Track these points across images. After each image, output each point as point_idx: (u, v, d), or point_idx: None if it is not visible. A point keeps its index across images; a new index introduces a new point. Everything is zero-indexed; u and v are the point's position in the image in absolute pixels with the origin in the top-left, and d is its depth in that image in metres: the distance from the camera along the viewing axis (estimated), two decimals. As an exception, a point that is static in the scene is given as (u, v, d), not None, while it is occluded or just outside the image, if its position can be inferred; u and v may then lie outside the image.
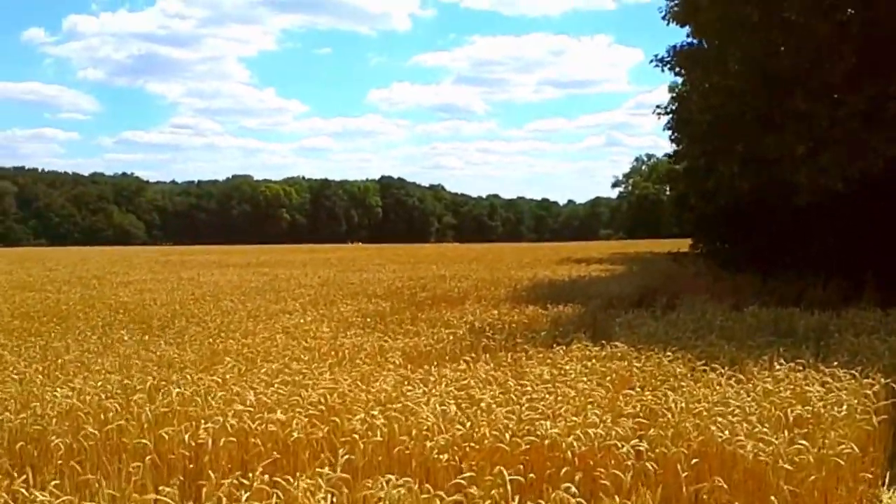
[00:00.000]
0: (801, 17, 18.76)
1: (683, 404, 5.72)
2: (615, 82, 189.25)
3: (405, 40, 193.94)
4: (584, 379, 6.74)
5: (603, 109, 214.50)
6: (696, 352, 8.41)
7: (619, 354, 8.21)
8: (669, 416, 5.53)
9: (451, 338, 9.75)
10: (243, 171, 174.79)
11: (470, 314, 12.82)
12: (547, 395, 6.07)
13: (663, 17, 19.37)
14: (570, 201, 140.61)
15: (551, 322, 12.19)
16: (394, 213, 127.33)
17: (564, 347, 8.59)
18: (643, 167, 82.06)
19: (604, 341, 8.95)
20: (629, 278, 20.57)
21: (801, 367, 7.27)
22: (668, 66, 19.64)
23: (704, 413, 5.57)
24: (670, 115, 19.72)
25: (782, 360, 7.54)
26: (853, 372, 6.89)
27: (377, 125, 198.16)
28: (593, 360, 7.72)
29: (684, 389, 6.34)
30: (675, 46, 19.63)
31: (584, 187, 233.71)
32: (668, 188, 21.84)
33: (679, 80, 20.63)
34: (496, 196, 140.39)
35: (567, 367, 7.39)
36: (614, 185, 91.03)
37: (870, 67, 16.08)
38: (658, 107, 19.96)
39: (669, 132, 19.20)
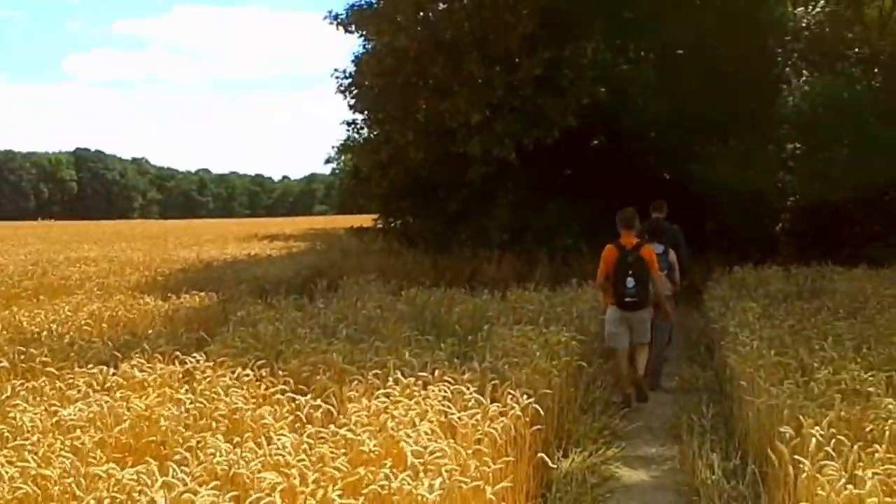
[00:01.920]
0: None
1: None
2: (336, 60, 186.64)
3: (108, 5, 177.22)
4: (61, 437, 4.06)
5: (321, 86, 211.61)
6: (298, 362, 6.07)
7: (182, 375, 5.65)
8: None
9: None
10: None
11: (58, 311, 9.59)
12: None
13: (342, -25, 17.19)
14: (285, 177, 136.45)
15: (160, 319, 9.38)
16: (91, 187, 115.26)
17: (108, 367, 5.82)
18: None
19: (179, 353, 6.33)
20: (303, 257, 18.20)
21: (419, 385, 5.17)
22: (342, 24, 17.42)
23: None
24: (348, 80, 17.48)
25: (399, 374, 5.38)
26: (480, 397, 4.84)
27: (75, 94, 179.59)
28: (123, 391, 5.04)
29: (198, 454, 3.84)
30: (353, 5, 17.48)
31: (301, 164, 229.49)
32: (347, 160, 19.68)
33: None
34: (206, 171, 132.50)
35: (69, 410, 4.64)
36: (327, 161, 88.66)
37: (547, 33, 15.01)
38: (336, 70, 17.66)
39: (344, 96, 16.94)
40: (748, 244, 14.33)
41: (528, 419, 4.93)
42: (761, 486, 5.06)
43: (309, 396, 4.92)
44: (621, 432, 6.85)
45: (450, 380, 5.31)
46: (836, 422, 4.29)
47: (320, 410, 4.75)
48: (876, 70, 15.31)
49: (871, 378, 5.15)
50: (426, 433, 4.12)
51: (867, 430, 4.21)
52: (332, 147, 17.14)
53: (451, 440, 4.12)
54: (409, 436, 4.09)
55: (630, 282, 7.42)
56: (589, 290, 10.29)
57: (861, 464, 3.74)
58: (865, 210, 13.49)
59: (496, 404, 4.73)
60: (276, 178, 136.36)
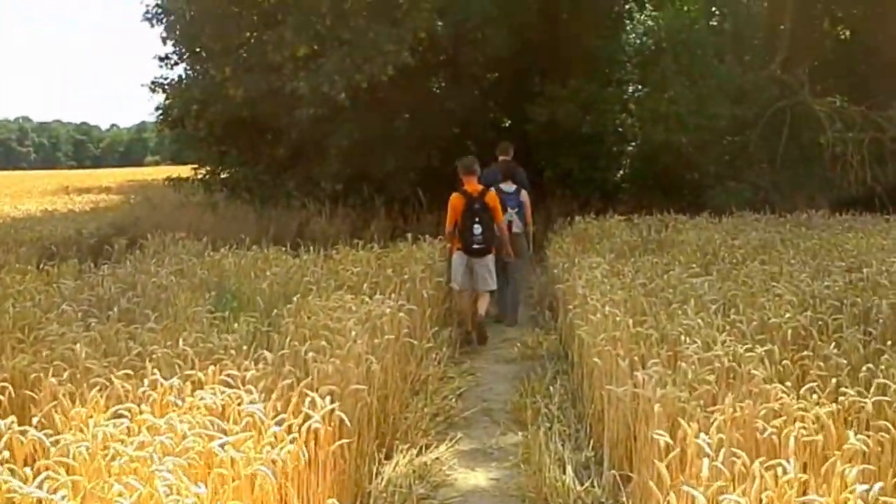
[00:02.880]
0: None
1: None
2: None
3: None
4: None
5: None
6: (29, 357, 4.50)
7: None
8: None
9: None
10: None
11: None
12: None
13: None
14: (113, 125, 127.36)
15: None
16: None
17: None
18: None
19: None
20: (109, 213, 16.02)
21: (188, 388, 3.80)
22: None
23: None
24: (157, 5, 15.20)
25: (159, 375, 3.95)
26: (260, 412, 3.51)
27: None
28: None
29: None
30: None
31: (131, 111, 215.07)
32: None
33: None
34: (27, 118, 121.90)
35: None
36: (157, 108, 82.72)
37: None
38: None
39: (151, 24, 14.66)
40: (589, 192, 13.62)
41: (332, 427, 3.69)
42: (622, 491, 4.09)
43: (12, 419, 3.41)
44: (457, 418, 5.75)
45: (230, 378, 3.96)
46: (724, 425, 3.27)
47: (28, 438, 3.28)
48: (714, 9, 14.88)
49: (748, 353, 4.22)
50: (164, 479, 2.75)
51: (764, 434, 3.22)
52: (142, 86, 14.86)
53: (205, 487, 2.77)
54: (135, 486, 2.71)
55: (477, 228, 7.54)
56: (425, 246, 9.17)
57: (769, 492, 2.73)
58: (704, 154, 13.02)
59: (279, 420, 3.41)
60: (105, 126, 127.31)
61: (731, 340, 4.54)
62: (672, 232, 10.14)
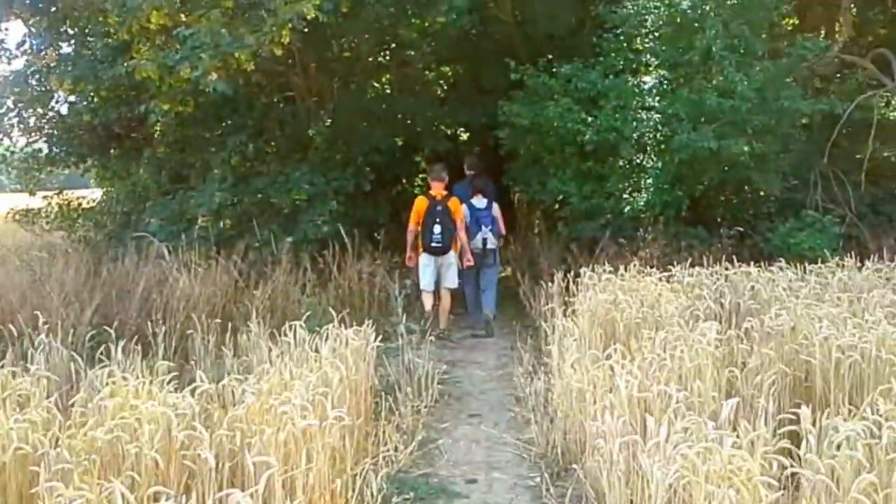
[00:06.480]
0: None
1: None
2: None
3: None
4: None
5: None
6: None
7: None
8: None
9: None
10: None
11: None
12: None
13: None
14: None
15: None
16: None
17: None
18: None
19: None
20: None
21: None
22: None
23: None
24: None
25: None
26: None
27: None
28: None
29: None
30: None
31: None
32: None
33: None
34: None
35: None
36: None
37: None
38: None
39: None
40: (595, 228, 8.87)
41: None
42: None
43: None
44: None
45: None
46: None
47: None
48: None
49: None
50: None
51: None
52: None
53: None
54: None
55: (437, 228, 7.59)
56: (325, 352, 4.47)
57: None
58: (765, 170, 8.41)
59: None
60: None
61: None
62: (756, 303, 5.48)
